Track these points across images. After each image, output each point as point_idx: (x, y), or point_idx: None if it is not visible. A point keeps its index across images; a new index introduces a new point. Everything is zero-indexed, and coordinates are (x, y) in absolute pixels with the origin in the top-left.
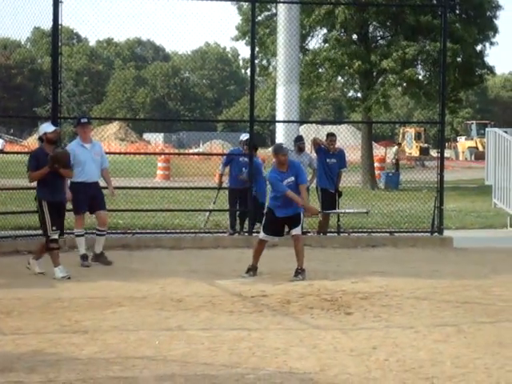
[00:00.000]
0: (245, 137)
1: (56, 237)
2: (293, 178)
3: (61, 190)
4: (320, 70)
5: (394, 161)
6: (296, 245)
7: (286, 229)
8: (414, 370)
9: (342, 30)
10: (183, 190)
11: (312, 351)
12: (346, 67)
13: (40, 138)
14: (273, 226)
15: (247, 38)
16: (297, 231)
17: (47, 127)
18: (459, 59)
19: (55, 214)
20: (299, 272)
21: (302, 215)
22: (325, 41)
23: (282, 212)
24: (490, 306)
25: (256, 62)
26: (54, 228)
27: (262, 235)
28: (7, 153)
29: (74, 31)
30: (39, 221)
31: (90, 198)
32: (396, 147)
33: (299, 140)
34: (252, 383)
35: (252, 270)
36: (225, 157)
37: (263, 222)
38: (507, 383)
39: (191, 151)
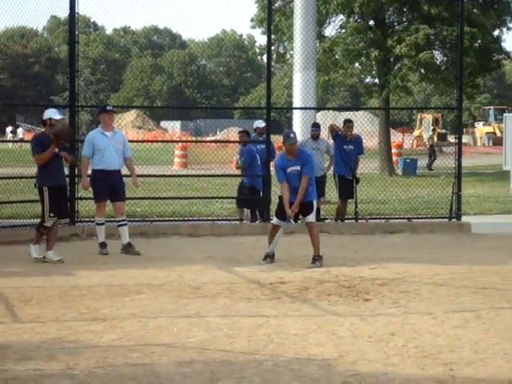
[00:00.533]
0: (261, 124)
1: (49, 225)
2: (298, 168)
3: (62, 173)
4: (337, 57)
5: (428, 145)
6: (311, 232)
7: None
8: (433, 355)
9: (360, 16)
10: (200, 177)
11: (330, 337)
12: (363, 57)
13: (44, 122)
14: (284, 211)
15: (264, 26)
16: (310, 219)
17: (54, 113)
18: (476, 44)
19: (56, 199)
20: (316, 259)
21: (314, 203)
22: (341, 27)
23: (292, 197)
24: (508, 291)
25: (272, 48)
26: (51, 215)
27: (274, 220)
28: (27, 141)
29: (91, 20)
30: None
31: (111, 186)
32: (431, 133)
33: (313, 127)
34: (270, 370)
35: (269, 256)
36: (241, 145)
37: (276, 207)
38: None
39: (208, 139)
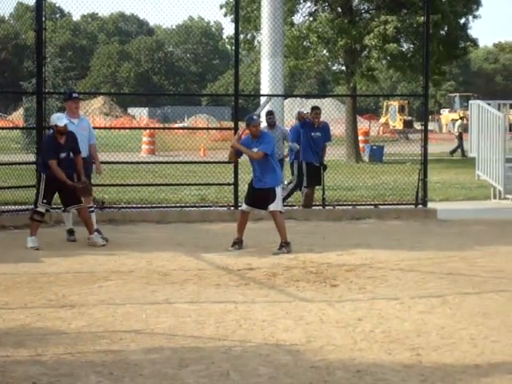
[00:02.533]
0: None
1: (42, 210)
2: (256, 149)
3: (65, 167)
4: (305, 43)
5: (456, 134)
6: (275, 220)
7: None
8: (400, 340)
9: (327, 4)
10: (168, 164)
11: (298, 323)
12: (331, 45)
13: (51, 127)
14: (251, 197)
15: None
16: (272, 207)
17: (58, 120)
18: (443, 32)
19: (51, 188)
20: (283, 245)
21: (277, 190)
22: (310, 14)
23: (258, 183)
24: (474, 277)
25: (241, 36)
26: (44, 201)
27: (243, 206)
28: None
29: (57, 6)
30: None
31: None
32: (460, 121)
33: (268, 114)
34: (239, 355)
35: (237, 243)
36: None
37: (245, 193)
38: (492, 353)
39: (176, 126)
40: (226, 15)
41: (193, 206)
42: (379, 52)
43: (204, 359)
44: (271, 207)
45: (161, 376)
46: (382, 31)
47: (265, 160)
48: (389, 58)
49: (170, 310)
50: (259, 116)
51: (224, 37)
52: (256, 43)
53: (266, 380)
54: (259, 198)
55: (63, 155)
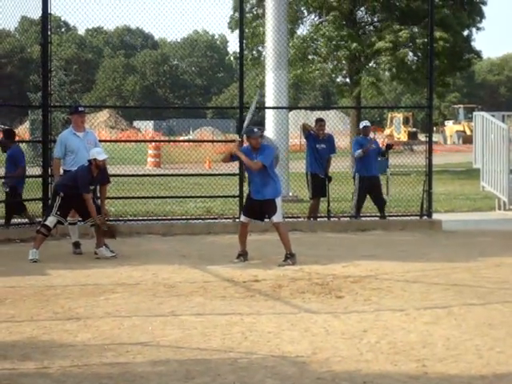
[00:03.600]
0: (367, 123)
1: (50, 225)
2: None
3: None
4: (310, 54)
5: None
6: (278, 232)
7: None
8: (405, 352)
9: (331, 16)
10: (174, 176)
11: (304, 335)
12: (343, 48)
13: (89, 161)
14: (250, 208)
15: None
16: (275, 219)
17: (99, 154)
18: (447, 44)
19: (67, 205)
20: (288, 257)
21: (277, 201)
22: (312, 25)
23: (256, 195)
24: (479, 288)
25: (246, 52)
26: (58, 213)
27: (241, 218)
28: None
29: (63, 19)
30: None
31: None
32: None
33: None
34: (245, 367)
35: (242, 255)
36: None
37: (244, 205)
38: (498, 364)
39: (181, 138)
40: (232, 31)
41: (198, 219)
42: (388, 59)
43: (210, 371)
44: (274, 219)
45: None
46: (394, 38)
47: (263, 171)
48: (396, 66)
49: (176, 322)
50: (260, 129)
51: (229, 51)
52: (262, 58)
53: None
54: (258, 209)
55: (92, 187)
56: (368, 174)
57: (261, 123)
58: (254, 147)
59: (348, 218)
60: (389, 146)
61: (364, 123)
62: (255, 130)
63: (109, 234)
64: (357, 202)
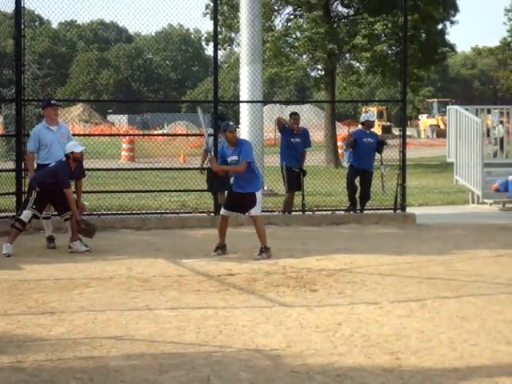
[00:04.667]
0: (372, 117)
1: (25, 220)
2: (236, 158)
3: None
4: (286, 48)
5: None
6: (255, 225)
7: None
8: (379, 344)
9: (307, 9)
10: (148, 170)
11: (278, 328)
12: (318, 51)
13: (66, 155)
14: (231, 201)
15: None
16: (253, 212)
17: (75, 147)
18: (423, 36)
19: (43, 200)
20: (263, 251)
21: (257, 194)
22: (288, 20)
23: (237, 188)
24: (452, 281)
25: (220, 37)
26: (33, 206)
27: (222, 210)
28: None
29: (36, 13)
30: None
31: None
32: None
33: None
34: (219, 361)
35: (220, 248)
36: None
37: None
38: (471, 357)
39: (155, 132)
40: (205, 15)
41: (173, 213)
42: (368, 57)
43: (184, 365)
44: (252, 212)
45: (141, 382)
46: (369, 32)
47: (248, 168)
48: (374, 62)
49: (150, 316)
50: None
51: (202, 34)
52: (235, 45)
53: None
54: (238, 202)
55: (70, 181)
56: (361, 167)
57: (221, 117)
58: (230, 141)
59: (322, 212)
60: (381, 143)
61: (366, 116)
62: (230, 123)
63: (86, 232)
64: (348, 190)
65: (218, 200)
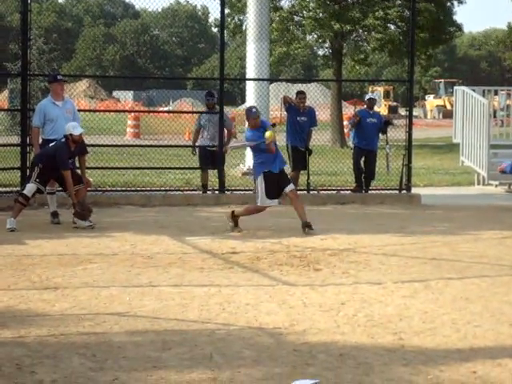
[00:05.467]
0: (374, 96)
1: (28, 194)
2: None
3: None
4: (293, 27)
5: None
6: (294, 202)
7: None
8: (382, 325)
9: None
10: (153, 147)
11: (281, 307)
12: (327, 28)
13: (65, 136)
14: (274, 187)
15: None
16: (291, 187)
17: (74, 129)
18: (428, 17)
19: (45, 177)
20: (308, 225)
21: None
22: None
23: (275, 167)
24: (457, 262)
25: (228, 20)
26: (37, 180)
27: (267, 202)
28: None
29: None
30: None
31: None
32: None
33: (208, 96)
34: (222, 338)
35: (237, 227)
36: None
37: (264, 189)
38: (474, 338)
39: (161, 109)
40: None
41: (177, 190)
42: (379, 37)
43: (187, 342)
44: (289, 188)
45: (144, 358)
46: (383, 15)
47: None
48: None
49: (153, 293)
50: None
51: (210, 20)
52: (244, 28)
53: (248, 363)
54: (276, 183)
55: (71, 161)
56: (365, 147)
57: (210, 93)
58: (253, 127)
59: (327, 192)
60: (387, 122)
61: (369, 95)
62: (253, 110)
63: (80, 215)
64: (355, 172)
65: (201, 180)
